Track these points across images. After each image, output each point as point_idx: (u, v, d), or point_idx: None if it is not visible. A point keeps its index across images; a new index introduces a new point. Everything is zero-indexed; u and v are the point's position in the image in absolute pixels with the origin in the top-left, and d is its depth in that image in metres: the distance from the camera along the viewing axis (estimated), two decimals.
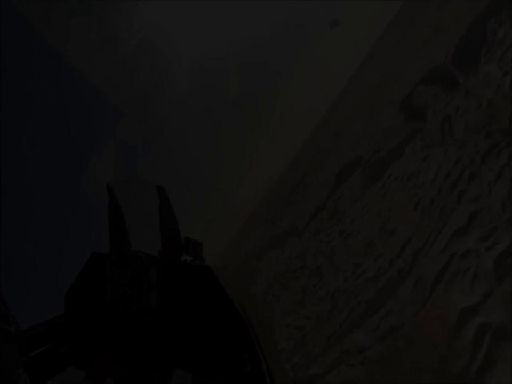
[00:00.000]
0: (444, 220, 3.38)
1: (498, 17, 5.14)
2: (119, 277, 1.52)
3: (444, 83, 5.94)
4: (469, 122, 4.22)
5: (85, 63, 24.42)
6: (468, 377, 2.13)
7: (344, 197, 7.20)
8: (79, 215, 22.69)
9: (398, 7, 19.61)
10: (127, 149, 30.01)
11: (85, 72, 24.43)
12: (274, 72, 40.62)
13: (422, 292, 2.98)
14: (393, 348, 2.83)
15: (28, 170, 20.23)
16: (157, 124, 33.10)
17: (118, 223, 1.68)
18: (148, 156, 31.53)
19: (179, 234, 1.74)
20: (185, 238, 1.74)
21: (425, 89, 6.59)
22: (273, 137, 40.72)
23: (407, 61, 9.62)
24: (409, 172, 4.88)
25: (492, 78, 4.10)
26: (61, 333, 1.61)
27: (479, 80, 4.42)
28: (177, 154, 35.52)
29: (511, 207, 2.72)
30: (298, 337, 4.37)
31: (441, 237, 3.23)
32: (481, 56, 4.98)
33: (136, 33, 28.88)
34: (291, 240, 8.84)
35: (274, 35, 39.12)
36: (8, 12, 18.06)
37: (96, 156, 26.91)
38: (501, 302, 2.26)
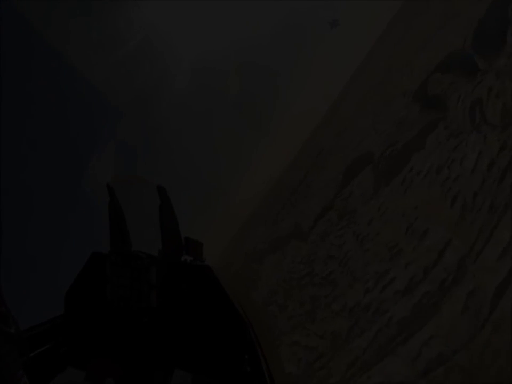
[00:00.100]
0: (496, 216, 2.83)
1: None
2: (119, 277, 1.51)
3: (463, 69, 5.47)
4: (507, 104, 3.73)
5: (85, 63, 24.42)
6: None
7: (354, 196, 6.70)
8: (79, 215, 22.64)
9: (399, 7, 19.57)
10: (127, 149, 29.98)
11: (85, 72, 24.42)
12: (274, 72, 40.56)
13: (478, 311, 2.42)
14: None
15: (28, 170, 20.22)
16: (157, 124, 33.09)
17: (118, 223, 1.68)
18: (148, 156, 31.49)
19: (179, 234, 1.74)
20: (185, 238, 1.74)
21: (442, 77, 6.16)
22: (273, 137, 40.64)
23: (415, 53, 9.26)
24: (437, 164, 4.36)
25: None
26: (61, 333, 1.60)
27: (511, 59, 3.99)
28: (177, 154, 35.48)
29: None
30: (309, 360, 3.66)
31: (496, 238, 2.69)
32: (507, 36, 4.53)
33: (136, 34, 28.88)
34: (294, 243, 8.37)
35: (274, 35, 39.06)
36: (8, 12, 18.05)
37: (96, 155, 26.88)
38: None
